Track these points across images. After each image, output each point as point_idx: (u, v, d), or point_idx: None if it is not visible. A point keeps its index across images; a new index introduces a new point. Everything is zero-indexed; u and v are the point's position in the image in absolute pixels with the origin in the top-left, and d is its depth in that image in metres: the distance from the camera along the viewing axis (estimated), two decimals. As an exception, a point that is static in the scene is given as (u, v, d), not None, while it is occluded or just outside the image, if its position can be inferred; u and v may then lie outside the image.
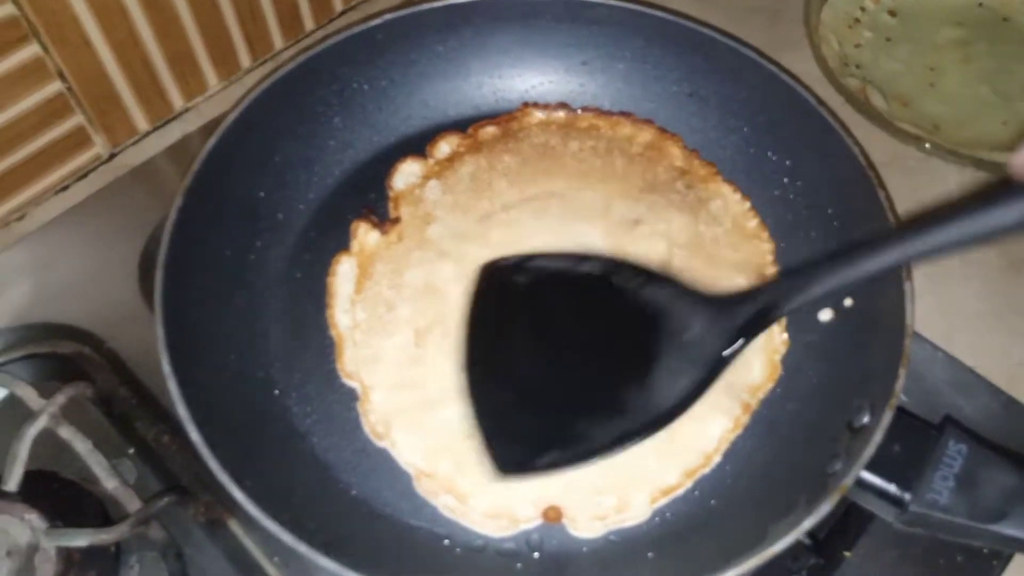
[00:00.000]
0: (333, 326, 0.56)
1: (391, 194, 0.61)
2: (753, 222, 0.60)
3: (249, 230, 0.58)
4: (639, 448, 0.50)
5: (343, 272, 0.58)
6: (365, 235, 0.59)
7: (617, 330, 0.51)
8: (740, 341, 0.47)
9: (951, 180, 0.70)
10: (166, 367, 0.46)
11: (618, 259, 0.55)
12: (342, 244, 0.60)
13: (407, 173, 0.62)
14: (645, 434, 0.47)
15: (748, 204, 0.60)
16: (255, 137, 0.58)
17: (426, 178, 0.62)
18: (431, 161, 0.63)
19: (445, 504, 0.50)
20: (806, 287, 0.46)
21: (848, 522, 0.52)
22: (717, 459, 0.52)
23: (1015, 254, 0.67)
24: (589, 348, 0.51)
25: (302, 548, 0.43)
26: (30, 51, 0.61)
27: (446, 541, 0.49)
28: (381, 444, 0.52)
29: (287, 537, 0.43)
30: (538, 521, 0.50)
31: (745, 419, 0.53)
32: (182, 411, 0.45)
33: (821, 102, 0.57)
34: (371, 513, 0.50)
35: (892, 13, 0.80)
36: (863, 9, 0.80)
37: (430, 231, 0.59)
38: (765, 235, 0.60)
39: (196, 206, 0.53)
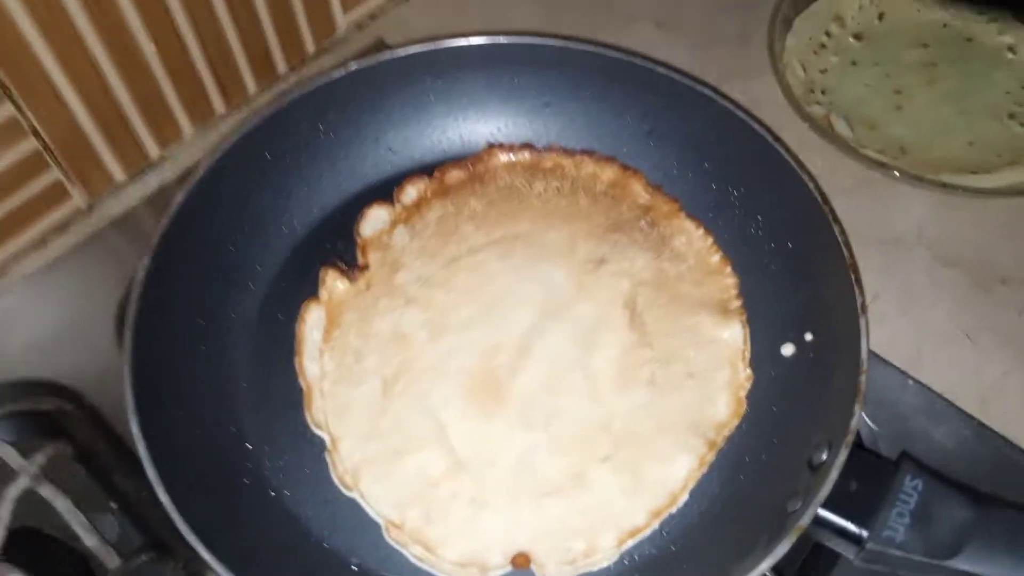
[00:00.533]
0: (302, 375, 0.57)
1: (359, 241, 0.62)
2: (716, 257, 0.61)
3: (219, 282, 0.59)
4: (606, 489, 0.52)
5: (312, 320, 0.59)
6: (333, 283, 0.60)
7: None
8: None
9: (918, 203, 0.71)
10: (135, 430, 0.47)
11: None
12: (312, 292, 0.60)
13: (375, 219, 0.63)
14: None
15: (711, 240, 0.61)
16: (224, 190, 0.59)
17: (394, 224, 0.63)
18: (398, 207, 0.64)
19: (415, 554, 0.51)
20: None
21: (816, 561, 0.53)
22: (684, 498, 0.53)
23: (984, 273, 0.67)
24: None
25: None
26: (4, 111, 0.62)
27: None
28: (350, 495, 0.53)
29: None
30: (507, 568, 0.51)
31: (711, 457, 0.54)
32: (151, 474, 0.46)
33: (777, 138, 0.58)
34: (344, 564, 0.51)
35: (857, 37, 0.81)
36: (828, 34, 0.80)
37: (398, 277, 0.60)
38: (728, 270, 0.60)
39: (165, 264, 0.54)
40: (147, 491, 0.57)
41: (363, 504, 0.52)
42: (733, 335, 0.58)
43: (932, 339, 0.64)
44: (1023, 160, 0.71)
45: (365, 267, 0.61)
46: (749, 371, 0.56)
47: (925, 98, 0.76)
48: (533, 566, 0.51)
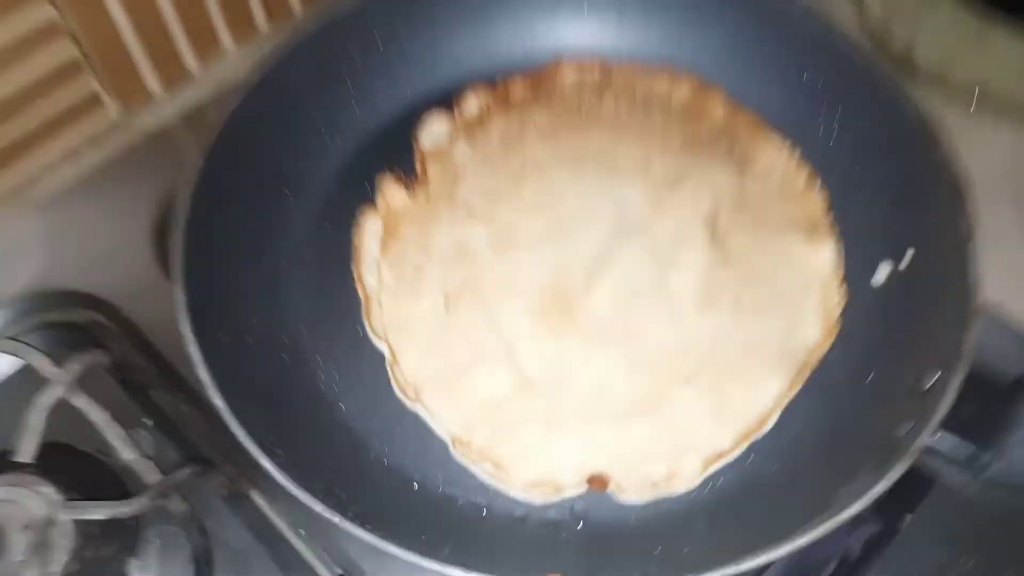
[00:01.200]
0: (360, 285, 0.53)
1: (419, 153, 0.58)
2: (803, 175, 0.57)
3: (273, 192, 0.56)
4: (689, 411, 0.48)
5: (370, 229, 0.55)
6: (392, 192, 0.56)
7: None
8: None
9: (1001, 143, 0.67)
10: (186, 331, 0.44)
11: None
12: (370, 201, 0.57)
13: (435, 130, 0.59)
14: None
15: (797, 156, 0.57)
16: (278, 98, 0.55)
17: (455, 135, 0.59)
18: (459, 119, 0.59)
19: (485, 471, 0.47)
20: None
21: (908, 486, 0.49)
22: (773, 422, 0.49)
23: None
24: None
25: (336, 519, 0.40)
26: (44, 12, 0.59)
27: (484, 511, 0.47)
28: (413, 408, 0.49)
29: (320, 508, 0.40)
30: (583, 489, 0.47)
31: (801, 380, 0.50)
32: (204, 376, 0.42)
33: (876, 56, 0.54)
34: (406, 482, 0.47)
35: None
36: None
37: (459, 191, 0.56)
38: (817, 188, 0.56)
39: (217, 168, 0.51)
40: (188, 406, 0.54)
41: (427, 419, 0.49)
42: (823, 255, 0.54)
43: (1018, 282, 0.61)
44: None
45: (424, 178, 0.57)
46: (842, 293, 0.53)
47: (1008, 35, 0.72)
48: (611, 488, 0.47)
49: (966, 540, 0.48)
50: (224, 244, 0.51)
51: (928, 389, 0.43)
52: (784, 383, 0.50)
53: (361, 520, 0.40)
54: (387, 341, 0.51)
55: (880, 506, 0.48)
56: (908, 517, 0.48)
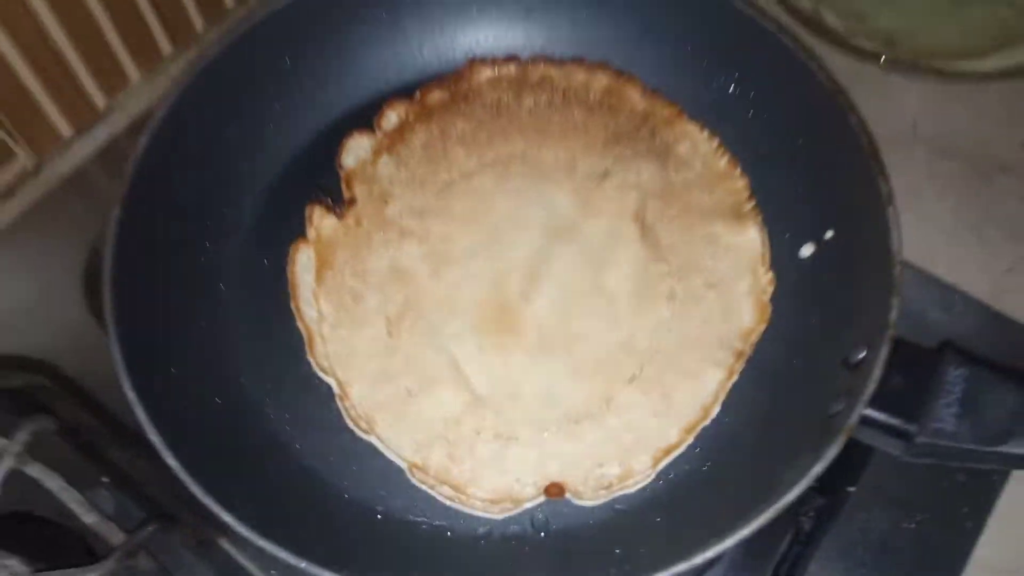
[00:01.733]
0: (300, 320, 0.53)
1: (343, 174, 0.58)
2: (723, 160, 0.58)
3: (196, 231, 0.55)
4: (635, 410, 0.50)
5: (303, 261, 0.55)
6: (320, 220, 0.56)
7: None
8: None
9: (911, 96, 0.70)
10: (129, 393, 0.44)
11: None
12: (299, 232, 0.57)
13: (356, 149, 0.59)
14: None
15: (716, 142, 0.58)
16: (189, 131, 0.55)
17: (377, 153, 0.58)
18: (380, 134, 0.59)
19: (444, 494, 0.48)
20: None
21: (849, 457, 0.51)
22: (716, 411, 0.51)
23: (983, 164, 0.67)
24: None
25: (302, 564, 0.41)
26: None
27: (449, 533, 0.48)
28: (367, 439, 0.50)
29: (285, 555, 0.41)
30: (541, 499, 0.49)
31: (739, 366, 0.52)
32: (154, 437, 0.43)
33: (781, 28, 0.55)
34: (369, 512, 0.49)
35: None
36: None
37: (388, 210, 0.56)
38: (737, 172, 0.58)
39: (136, 214, 0.50)
40: (143, 460, 0.54)
41: (382, 448, 0.50)
42: (750, 239, 0.55)
43: (939, 235, 0.64)
44: (1013, 43, 0.70)
45: (352, 201, 0.57)
46: (771, 274, 0.54)
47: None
48: (568, 494, 0.48)
49: (907, 504, 0.51)
50: (155, 295, 0.51)
51: (857, 363, 0.45)
52: (723, 372, 0.51)
53: (327, 560, 0.41)
54: (333, 374, 0.52)
55: (825, 481, 0.50)
56: (852, 489, 0.51)
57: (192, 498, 0.46)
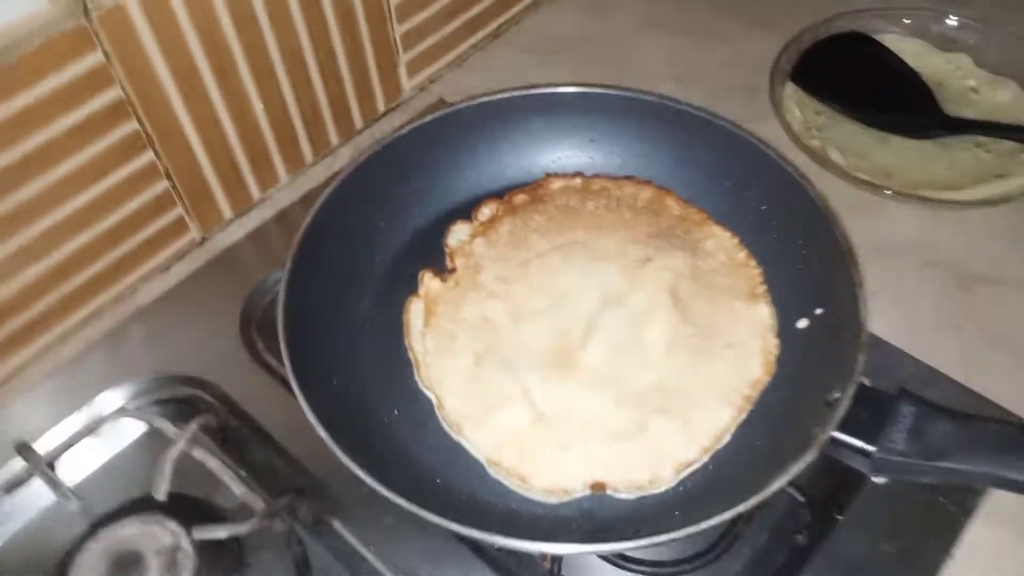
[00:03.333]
0: (411, 351, 0.70)
1: (447, 250, 0.76)
2: (742, 254, 0.74)
3: (343, 286, 0.72)
4: (663, 433, 0.64)
5: (414, 311, 0.72)
6: (429, 282, 0.74)
7: None
8: None
9: (904, 218, 0.83)
10: (296, 387, 0.59)
11: None
12: (413, 290, 0.74)
13: (458, 233, 0.77)
14: None
15: (736, 240, 0.75)
16: (345, 209, 0.73)
17: (473, 236, 0.76)
18: (476, 223, 0.77)
19: (513, 483, 0.63)
20: None
21: (840, 488, 0.64)
22: (727, 438, 0.64)
23: (963, 274, 0.79)
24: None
25: (414, 509, 0.54)
26: (147, 157, 0.76)
27: (517, 511, 0.62)
28: (457, 439, 0.65)
29: (405, 503, 0.54)
30: (587, 492, 0.62)
31: (748, 407, 0.65)
32: (311, 418, 0.57)
33: (783, 158, 0.72)
34: (459, 495, 0.62)
35: (845, 85, 0.95)
36: (820, 84, 0.95)
37: (480, 277, 0.73)
38: (753, 263, 0.73)
39: (300, 264, 0.67)
40: (275, 457, 0.69)
41: (468, 447, 0.65)
42: (761, 313, 0.70)
43: (923, 327, 0.76)
44: (989, 179, 0.85)
45: (453, 270, 0.74)
46: (777, 340, 0.69)
47: (903, 139, 0.90)
48: (608, 490, 0.62)
49: (887, 530, 0.63)
50: (313, 327, 0.67)
51: (834, 401, 0.59)
52: (735, 411, 0.65)
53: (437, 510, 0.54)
54: (433, 391, 0.68)
55: (818, 505, 0.63)
56: (840, 517, 0.63)
57: (315, 484, 0.62)
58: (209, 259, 0.84)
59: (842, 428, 0.57)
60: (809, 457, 0.55)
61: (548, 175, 0.80)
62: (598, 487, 0.62)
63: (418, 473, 0.63)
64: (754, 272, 0.73)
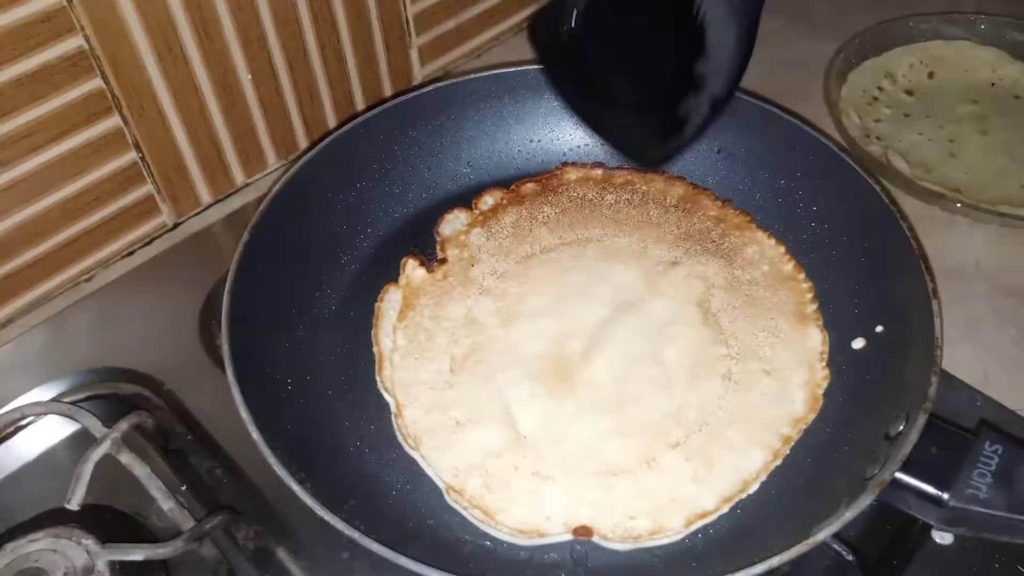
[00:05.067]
0: (376, 345, 0.60)
1: (439, 239, 0.66)
2: (789, 265, 0.63)
3: (308, 269, 0.63)
4: (675, 474, 0.52)
5: (389, 300, 0.62)
6: (412, 271, 0.63)
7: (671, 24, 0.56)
8: None
9: (975, 238, 0.73)
10: (231, 375, 0.49)
11: None
12: (391, 278, 0.64)
13: (454, 221, 0.67)
14: (729, 90, 0.56)
15: (783, 248, 0.63)
16: (316, 187, 0.63)
17: (471, 225, 0.66)
18: (476, 212, 0.67)
19: (475, 516, 0.51)
20: None
21: (897, 543, 0.52)
22: (755, 488, 0.53)
23: None
24: (658, 47, 0.58)
25: (372, 545, 0.44)
26: (112, 122, 0.67)
27: (494, 551, 0.50)
28: (412, 455, 0.54)
29: (349, 531, 0.44)
30: (566, 537, 0.51)
31: (785, 451, 0.54)
32: (245, 415, 0.47)
33: (842, 148, 0.61)
34: (421, 520, 0.52)
35: (909, 92, 0.85)
36: (880, 89, 0.85)
37: (473, 271, 0.63)
38: (801, 276, 0.62)
39: (260, 244, 0.58)
40: (223, 469, 0.59)
41: (424, 467, 0.54)
42: (811, 339, 0.59)
43: (997, 362, 0.65)
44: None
45: (443, 261, 0.64)
46: (827, 371, 0.57)
47: (978, 147, 0.80)
48: (596, 537, 0.50)
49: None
50: (266, 314, 0.58)
51: (896, 435, 0.47)
52: (768, 454, 0.53)
53: (390, 543, 0.44)
54: (394, 395, 0.57)
55: (870, 565, 0.51)
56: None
57: (262, 504, 0.53)
58: (177, 244, 0.75)
59: (907, 469, 0.45)
60: (864, 503, 0.44)
61: (564, 164, 0.70)
62: (582, 532, 0.50)
63: (377, 497, 0.52)
64: (803, 287, 0.62)
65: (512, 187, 0.69)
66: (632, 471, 0.53)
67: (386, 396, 0.57)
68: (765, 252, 0.64)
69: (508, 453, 0.53)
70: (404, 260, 0.64)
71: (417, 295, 0.62)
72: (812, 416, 0.56)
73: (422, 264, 0.64)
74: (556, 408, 0.55)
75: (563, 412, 0.55)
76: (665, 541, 0.51)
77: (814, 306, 0.61)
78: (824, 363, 0.58)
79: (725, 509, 0.52)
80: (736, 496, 0.52)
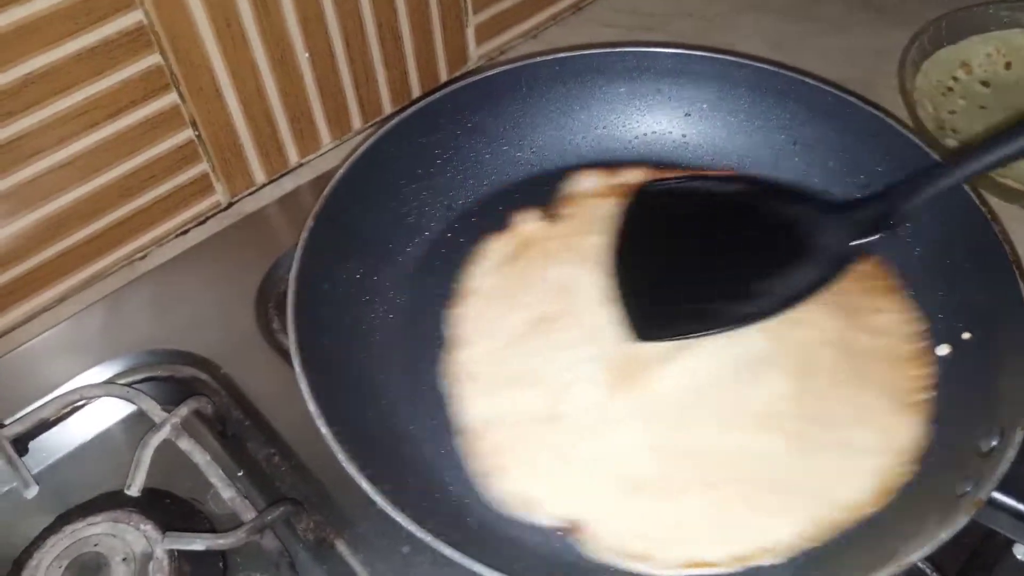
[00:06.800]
0: (460, 282, 0.61)
1: (559, 196, 0.66)
2: (914, 347, 0.57)
3: (371, 259, 0.62)
4: (691, 512, 0.50)
5: (497, 246, 0.63)
6: (524, 223, 0.64)
7: (753, 235, 0.59)
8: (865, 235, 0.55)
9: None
10: (298, 368, 0.48)
11: (757, 177, 0.63)
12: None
13: (585, 182, 0.67)
14: (769, 313, 0.55)
15: (915, 328, 0.58)
16: (380, 174, 0.62)
17: (602, 196, 0.65)
18: (616, 182, 0.67)
19: (473, 468, 0.52)
20: (916, 193, 0.55)
21: (975, 562, 0.50)
22: (770, 560, 0.48)
23: None
24: (727, 250, 0.59)
25: (420, 533, 0.43)
26: (169, 98, 0.66)
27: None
28: (445, 390, 0.55)
29: (406, 522, 0.43)
30: (554, 524, 0.50)
31: (822, 538, 0.49)
32: (312, 407, 0.46)
33: (928, 143, 0.58)
34: (489, 527, 0.50)
35: (985, 83, 0.81)
36: (955, 79, 0.81)
37: (589, 240, 0.62)
38: (923, 361, 0.56)
39: (323, 232, 0.57)
40: (281, 455, 0.58)
41: (452, 405, 0.54)
42: (905, 431, 0.53)
43: None
44: None
45: (561, 218, 0.65)
46: (916, 467, 0.51)
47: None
48: (577, 537, 0.49)
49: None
50: (329, 297, 0.57)
51: (989, 450, 0.45)
52: (796, 533, 0.49)
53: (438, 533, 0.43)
54: (457, 330, 0.58)
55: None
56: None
57: (321, 493, 0.52)
58: (232, 224, 0.74)
59: (1005, 487, 0.43)
60: (959, 524, 0.41)
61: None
62: (568, 528, 0.49)
63: (444, 494, 0.50)
64: (920, 373, 0.55)
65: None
66: (648, 491, 0.51)
67: (447, 330, 0.58)
68: (894, 324, 0.58)
69: (536, 424, 0.53)
70: (515, 213, 0.65)
71: (528, 246, 0.62)
72: (872, 510, 0.50)
73: (543, 216, 0.64)
74: (606, 401, 0.54)
75: (611, 408, 0.54)
76: (648, 572, 0.48)
77: (924, 397, 0.54)
78: (910, 460, 0.52)
79: (733, 568, 0.48)
80: (748, 561, 0.48)
